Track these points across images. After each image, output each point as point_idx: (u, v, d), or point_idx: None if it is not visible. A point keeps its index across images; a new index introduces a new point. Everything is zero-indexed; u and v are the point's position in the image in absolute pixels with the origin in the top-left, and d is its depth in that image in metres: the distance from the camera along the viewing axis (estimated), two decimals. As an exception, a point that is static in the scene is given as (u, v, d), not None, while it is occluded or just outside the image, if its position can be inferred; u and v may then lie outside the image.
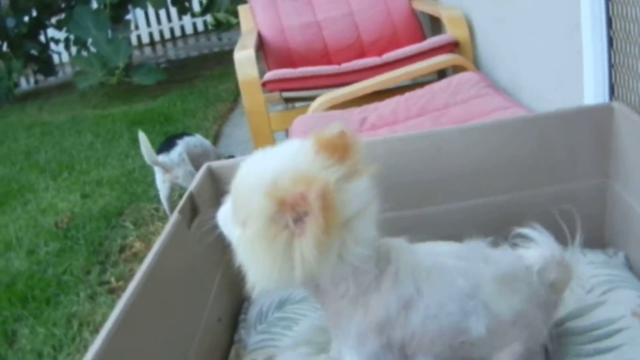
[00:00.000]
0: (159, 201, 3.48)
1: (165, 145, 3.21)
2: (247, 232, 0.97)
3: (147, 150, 2.85)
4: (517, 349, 1.10)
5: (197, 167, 2.86)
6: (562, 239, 1.19)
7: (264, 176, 0.96)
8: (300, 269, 0.93)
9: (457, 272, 1.08)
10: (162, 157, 3.05)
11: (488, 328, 1.06)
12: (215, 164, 1.59)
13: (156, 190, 3.27)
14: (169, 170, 3.06)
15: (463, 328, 1.06)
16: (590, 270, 1.44)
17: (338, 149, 0.98)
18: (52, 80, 8.33)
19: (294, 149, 1.01)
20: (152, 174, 3.88)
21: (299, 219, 0.91)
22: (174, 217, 1.31)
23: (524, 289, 1.12)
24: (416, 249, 1.11)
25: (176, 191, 3.19)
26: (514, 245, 1.17)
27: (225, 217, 1.09)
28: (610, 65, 1.86)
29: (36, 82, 8.43)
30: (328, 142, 0.99)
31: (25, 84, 8.52)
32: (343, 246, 0.97)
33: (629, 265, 1.51)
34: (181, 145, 3.14)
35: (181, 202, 1.37)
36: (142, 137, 2.81)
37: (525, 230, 1.16)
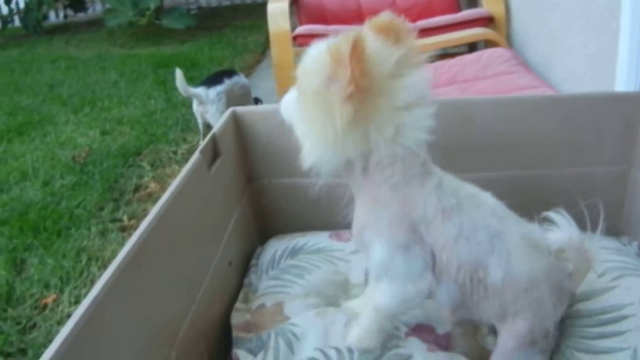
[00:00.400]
0: (177, 144, 3.50)
1: (211, 78, 3.32)
2: (304, 97, 1.02)
3: (181, 83, 3.02)
4: (521, 330, 1.10)
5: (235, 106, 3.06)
6: (579, 222, 1.18)
7: (325, 46, 0.99)
8: (340, 127, 0.96)
9: (492, 212, 1.11)
10: (200, 89, 3.19)
11: (503, 279, 1.07)
12: (240, 109, 1.59)
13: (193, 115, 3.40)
14: (202, 104, 3.19)
15: (485, 264, 1.07)
16: (604, 255, 1.43)
17: (392, 32, 1.01)
18: (81, 16, 8.33)
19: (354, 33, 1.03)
20: (173, 117, 3.92)
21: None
22: (194, 157, 1.31)
23: (544, 259, 1.13)
24: (460, 181, 1.14)
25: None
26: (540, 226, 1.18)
27: (289, 101, 1.11)
28: (646, 56, 1.84)
29: (65, 16, 8.43)
30: (382, 25, 1.02)
31: (54, 17, 8.51)
32: (401, 127, 1.00)
33: (642, 256, 1.51)
34: (226, 85, 3.25)
35: (203, 143, 1.37)
36: (178, 73, 2.99)
37: (550, 213, 1.16)
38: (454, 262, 1.07)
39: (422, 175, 1.06)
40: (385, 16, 1.03)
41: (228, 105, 3.10)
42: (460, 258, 1.07)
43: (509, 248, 1.08)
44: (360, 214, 1.12)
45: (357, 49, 0.92)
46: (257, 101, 3.59)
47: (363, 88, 0.94)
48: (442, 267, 1.08)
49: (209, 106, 3.17)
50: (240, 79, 3.43)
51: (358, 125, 0.97)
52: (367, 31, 1.02)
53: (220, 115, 2.96)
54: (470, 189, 1.13)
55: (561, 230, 1.15)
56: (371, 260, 1.11)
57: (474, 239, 1.07)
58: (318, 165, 1.03)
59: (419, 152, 1.04)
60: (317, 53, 1.01)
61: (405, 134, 1.00)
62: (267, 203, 1.66)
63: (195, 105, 3.25)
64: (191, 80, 4.25)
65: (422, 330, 1.28)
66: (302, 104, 1.03)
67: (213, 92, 3.18)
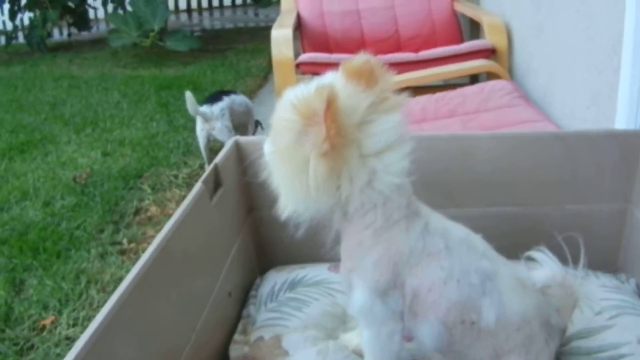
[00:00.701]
0: (178, 168, 3.51)
1: (211, 97, 3.44)
2: (275, 148, 1.03)
3: (191, 104, 3.12)
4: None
5: (240, 124, 3.39)
6: (576, 259, 1.19)
7: (296, 96, 1.00)
8: (314, 183, 0.97)
9: (483, 254, 1.11)
10: (204, 108, 3.30)
11: (497, 320, 1.08)
12: (243, 139, 1.60)
13: (195, 138, 3.49)
14: (208, 121, 3.28)
15: (478, 306, 1.08)
16: (602, 293, 1.44)
17: (363, 75, 1.02)
18: (85, 35, 8.36)
19: (327, 79, 1.05)
20: (175, 140, 3.92)
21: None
22: (197, 187, 1.32)
23: (534, 297, 1.14)
24: (450, 222, 1.14)
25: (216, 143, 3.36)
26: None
27: (267, 151, 1.11)
28: (646, 93, 1.85)
29: (69, 34, 8.45)
30: (354, 69, 1.03)
31: (58, 35, 8.55)
32: (373, 174, 1.00)
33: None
34: (226, 101, 3.37)
35: (206, 173, 1.37)
36: (188, 95, 3.11)
37: (532, 252, 1.17)
38: (443, 304, 1.07)
39: (407, 218, 1.06)
40: (358, 59, 1.04)
41: (232, 122, 3.31)
42: (450, 300, 1.07)
43: (501, 289, 1.09)
44: (346, 256, 1.12)
45: (331, 108, 0.93)
46: (257, 124, 3.65)
47: (338, 145, 0.95)
48: (428, 308, 1.08)
49: (214, 122, 3.27)
50: (237, 97, 3.53)
51: (330, 178, 0.99)
52: (339, 77, 1.04)
53: (227, 130, 3.21)
54: (460, 233, 1.13)
55: (544, 267, 1.16)
56: (352, 304, 1.11)
57: (465, 282, 1.07)
58: (295, 215, 1.04)
59: (396, 197, 1.04)
60: (284, 110, 1.01)
61: (378, 180, 1.01)
62: (267, 234, 1.66)
63: (199, 126, 3.33)
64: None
65: (418, 366, 1.28)
66: (276, 158, 1.04)
67: (217, 108, 3.29)
